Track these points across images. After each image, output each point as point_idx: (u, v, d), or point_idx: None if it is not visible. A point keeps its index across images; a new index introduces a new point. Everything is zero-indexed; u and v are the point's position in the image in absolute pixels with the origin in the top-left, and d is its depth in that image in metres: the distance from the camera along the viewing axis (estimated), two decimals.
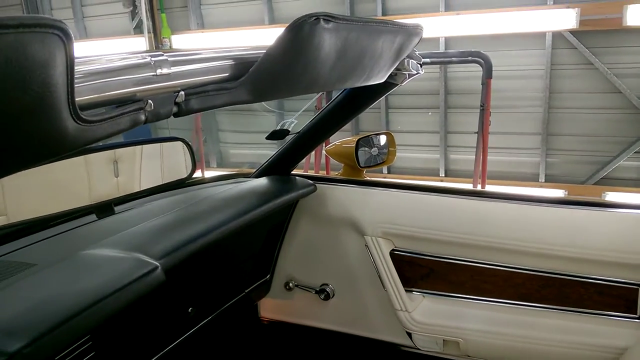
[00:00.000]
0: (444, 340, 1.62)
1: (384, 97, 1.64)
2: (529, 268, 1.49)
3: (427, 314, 1.63)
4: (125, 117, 0.67)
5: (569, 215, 1.47)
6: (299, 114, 3.46)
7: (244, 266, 1.74)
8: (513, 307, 1.54)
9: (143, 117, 0.70)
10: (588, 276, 1.44)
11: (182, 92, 0.77)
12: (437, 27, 4.87)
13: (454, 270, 1.59)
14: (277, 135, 1.65)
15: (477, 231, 1.52)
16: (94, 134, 0.59)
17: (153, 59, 0.72)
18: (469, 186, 4.54)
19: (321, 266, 1.80)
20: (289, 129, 1.66)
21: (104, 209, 1.11)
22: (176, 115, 0.78)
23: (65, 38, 0.47)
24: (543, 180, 5.07)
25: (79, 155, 1.04)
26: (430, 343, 1.65)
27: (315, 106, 5.06)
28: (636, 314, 1.43)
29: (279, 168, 1.77)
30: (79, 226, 1.30)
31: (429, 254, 1.61)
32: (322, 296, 1.79)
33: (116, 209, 1.26)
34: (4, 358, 0.77)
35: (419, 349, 1.68)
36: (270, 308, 1.93)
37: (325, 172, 4.68)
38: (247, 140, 6.31)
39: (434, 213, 1.59)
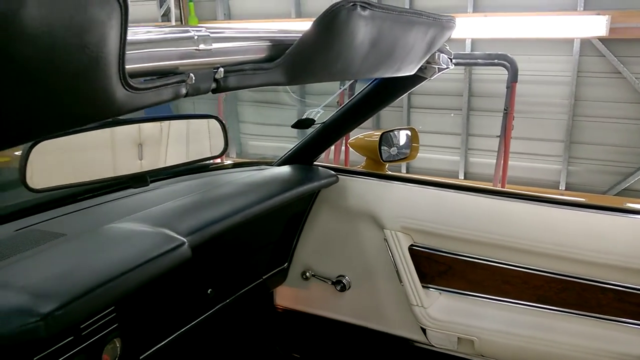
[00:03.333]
0: (458, 338, 1.61)
1: (407, 94, 1.64)
2: (549, 270, 1.49)
3: (443, 310, 1.63)
4: (168, 89, 0.68)
5: (592, 220, 1.45)
6: (323, 106, 3.49)
7: (262, 253, 1.75)
8: (531, 309, 1.53)
9: (184, 91, 0.72)
10: (608, 282, 1.43)
11: (222, 69, 0.78)
12: (464, 28, 4.84)
13: (473, 268, 1.58)
14: (302, 124, 1.66)
15: (497, 230, 1.52)
16: (140, 101, 0.61)
17: (197, 33, 0.73)
18: None
19: (339, 257, 1.81)
20: (315, 119, 1.67)
21: (139, 179, 1.13)
22: (214, 91, 0.79)
23: (122, 2, 0.49)
24: (563, 188, 5.03)
25: (120, 125, 1.06)
26: (444, 340, 1.64)
27: (338, 101, 5.07)
28: None
29: (301, 157, 1.78)
30: (106, 201, 1.33)
31: (448, 251, 1.60)
32: (338, 287, 1.80)
33: (144, 187, 1.29)
34: (36, 319, 0.79)
35: (432, 345, 1.68)
36: (285, 296, 1.94)
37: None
38: (267, 133, 6.34)
39: (455, 210, 1.58)
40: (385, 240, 1.67)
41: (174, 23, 6.23)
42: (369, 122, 1.82)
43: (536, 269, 1.50)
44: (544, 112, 4.96)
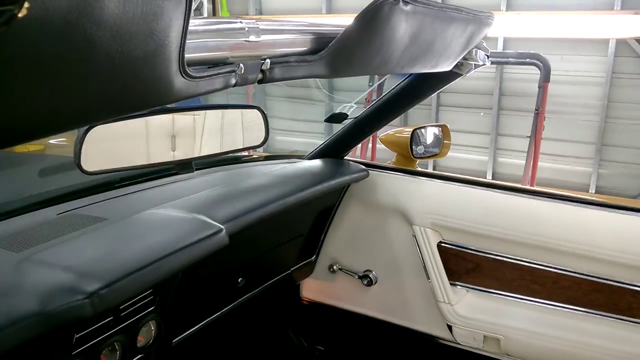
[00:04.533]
0: (484, 336, 1.61)
1: (436, 93, 1.64)
2: (579, 272, 1.48)
3: (470, 308, 1.63)
4: (220, 78, 0.70)
5: (623, 221, 1.44)
6: (355, 102, 3.54)
7: (292, 245, 1.77)
8: (559, 310, 1.52)
9: (234, 80, 0.74)
10: (639, 285, 1.42)
11: (268, 60, 0.80)
12: (496, 26, 4.78)
13: (501, 267, 1.58)
14: (335, 118, 1.68)
15: (527, 229, 1.51)
16: (194, 89, 0.63)
17: (247, 25, 0.75)
18: None
19: (366, 252, 1.82)
20: (348, 114, 1.68)
21: (185, 166, 1.17)
22: (260, 81, 0.82)
23: None
24: (593, 191, 4.95)
25: (168, 113, 1.10)
26: (470, 338, 1.65)
27: (366, 99, 5.07)
28: None
29: (332, 152, 1.79)
30: (145, 189, 1.37)
31: (476, 249, 1.60)
32: (365, 282, 1.81)
33: (180, 176, 1.32)
34: (82, 296, 0.82)
35: (458, 343, 1.68)
36: (312, 289, 1.96)
37: None
38: (294, 128, 6.38)
39: (485, 208, 1.58)
40: (414, 236, 1.67)
41: (205, 17, 6.30)
42: (397, 120, 1.82)
43: (566, 269, 1.49)
44: (575, 113, 4.88)
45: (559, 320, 1.52)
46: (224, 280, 1.50)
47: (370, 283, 1.81)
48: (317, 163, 1.73)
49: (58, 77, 0.43)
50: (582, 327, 1.49)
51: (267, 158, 1.88)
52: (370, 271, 1.82)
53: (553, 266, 1.51)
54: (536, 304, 1.55)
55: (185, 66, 0.58)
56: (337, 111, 1.70)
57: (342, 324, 1.94)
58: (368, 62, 0.95)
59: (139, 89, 0.54)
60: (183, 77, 0.58)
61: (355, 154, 5.01)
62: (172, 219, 1.11)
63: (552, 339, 1.51)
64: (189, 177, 1.48)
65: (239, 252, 1.50)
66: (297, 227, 1.75)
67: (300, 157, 1.85)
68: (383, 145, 2.09)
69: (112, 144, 1.05)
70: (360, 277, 1.82)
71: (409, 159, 1.91)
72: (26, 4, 0.35)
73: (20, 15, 0.35)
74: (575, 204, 1.50)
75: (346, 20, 0.88)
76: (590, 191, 4.96)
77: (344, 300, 1.91)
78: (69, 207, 1.25)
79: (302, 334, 2.03)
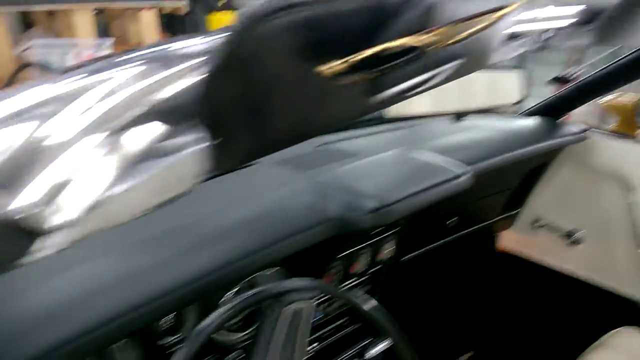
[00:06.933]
0: None
1: None
2: None
3: None
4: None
5: None
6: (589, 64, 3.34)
7: (499, 197, 1.85)
8: None
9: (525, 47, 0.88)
10: None
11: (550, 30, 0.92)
12: None
13: None
14: (559, 80, 1.71)
15: None
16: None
17: None
18: None
19: (574, 212, 1.84)
20: (574, 76, 1.70)
21: (459, 115, 1.40)
22: (539, 49, 0.94)
23: None
24: None
25: None
26: None
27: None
28: None
29: (551, 111, 1.81)
30: (387, 131, 1.58)
31: None
32: (570, 240, 1.84)
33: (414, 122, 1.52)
34: (361, 213, 1.05)
35: None
36: (511, 241, 2.03)
37: None
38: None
39: None
40: (630, 203, 1.66)
41: None
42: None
43: None
44: None
45: None
46: (440, 218, 1.66)
47: (574, 242, 1.83)
48: (535, 122, 1.77)
49: None
50: None
51: (481, 111, 1.96)
52: (577, 230, 1.84)
53: None
54: None
55: None
56: (561, 75, 1.74)
57: (536, 277, 1.99)
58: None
59: None
60: None
61: None
62: (423, 160, 1.29)
63: None
64: (426, 124, 1.67)
65: (456, 196, 1.65)
66: (507, 180, 1.82)
67: (517, 113, 1.90)
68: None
69: None
70: (564, 235, 1.86)
71: (631, 126, 1.87)
72: None
73: None
74: None
75: None
76: None
77: (542, 255, 1.95)
78: (323, 141, 1.49)
79: (495, 281, 2.13)
